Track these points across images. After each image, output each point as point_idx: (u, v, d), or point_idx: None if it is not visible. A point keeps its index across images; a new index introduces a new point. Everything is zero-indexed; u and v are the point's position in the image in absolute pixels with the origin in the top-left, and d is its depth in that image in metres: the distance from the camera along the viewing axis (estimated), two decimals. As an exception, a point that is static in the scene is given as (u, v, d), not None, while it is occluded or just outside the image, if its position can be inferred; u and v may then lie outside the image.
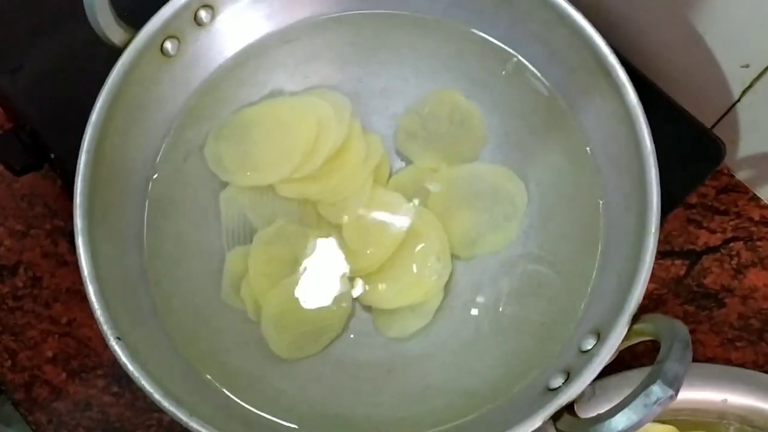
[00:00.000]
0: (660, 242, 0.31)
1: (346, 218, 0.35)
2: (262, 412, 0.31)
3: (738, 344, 0.43)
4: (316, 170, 0.35)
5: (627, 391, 0.26)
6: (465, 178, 0.36)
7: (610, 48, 0.32)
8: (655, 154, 0.30)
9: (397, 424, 0.32)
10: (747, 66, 0.38)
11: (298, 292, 0.35)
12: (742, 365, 0.42)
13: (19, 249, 0.45)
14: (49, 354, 0.44)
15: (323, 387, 0.34)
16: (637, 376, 0.36)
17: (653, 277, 0.32)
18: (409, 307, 0.35)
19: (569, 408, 0.29)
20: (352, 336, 0.35)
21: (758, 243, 0.45)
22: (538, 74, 0.35)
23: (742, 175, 0.45)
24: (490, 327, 0.34)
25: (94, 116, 0.31)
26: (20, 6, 0.43)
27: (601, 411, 0.26)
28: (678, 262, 0.44)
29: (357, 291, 0.35)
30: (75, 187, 0.30)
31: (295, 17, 0.36)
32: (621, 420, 0.25)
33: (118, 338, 0.29)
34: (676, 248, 0.45)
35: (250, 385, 0.32)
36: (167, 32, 0.33)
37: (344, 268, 0.35)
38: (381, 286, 0.35)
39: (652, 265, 0.30)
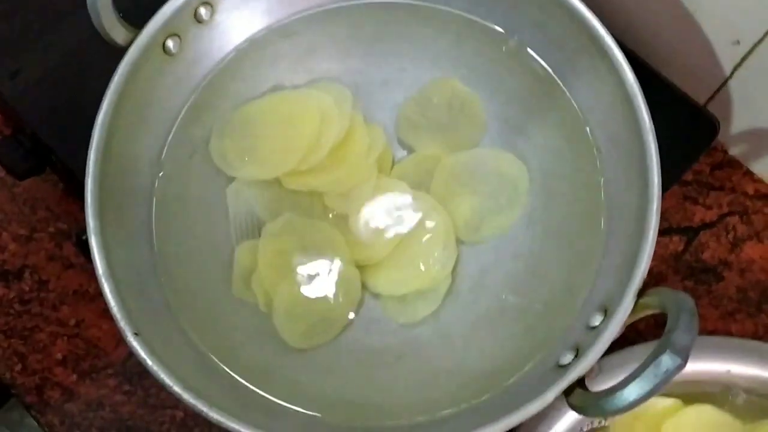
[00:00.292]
0: (657, 220, 0.31)
1: (352, 208, 0.36)
2: (280, 400, 0.32)
3: (737, 317, 0.44)
4: (320, 162, 0.36)
5: (633, 366, 0.27)
6: (467, 163, 0.37)
7: (606, 29, 0.32)
8: (654, 132, 0.31)
9: (411, 407, 0.33)
10: (737, 42, 0.38)
11: (308, 283, 0.35)
12: (742, 337, 0.43)
13: (24, 253, 0.46)
14: (59, 356, 0.44)
15: (337, 375, 0.34)
16: (642, 350, 0.37)
17: (652, 255, 0.33)
18: (418, 292, 0.35)
19: (580, 383, 0.29)
20: (362, 324, 0.35)
21: (753, 217, 0.45)
22: (536, 58, 0.35)
23: (735, 151, 0.46)
24: (498, 309, 0.35)
25: (101, 116, 0.31)
26: (18, 9, 0.43)
27: (608, 387, 0.27)
28: (676, 238, 0.45)
29: (366, 279, 0.36)
30: (86, 187, 0.31)
31: (293, 10, 0.37)
32: (632, 391, 0.26)
33: (136, 334, 0.29)
34: (674, 225, 0.46)
35: (265, 375, 0.33)
36: (168, 30, 0.33)
37: (352, 257, 0.36)
38: (389, 274, 0.36)
39: (655, 239, 0.30)
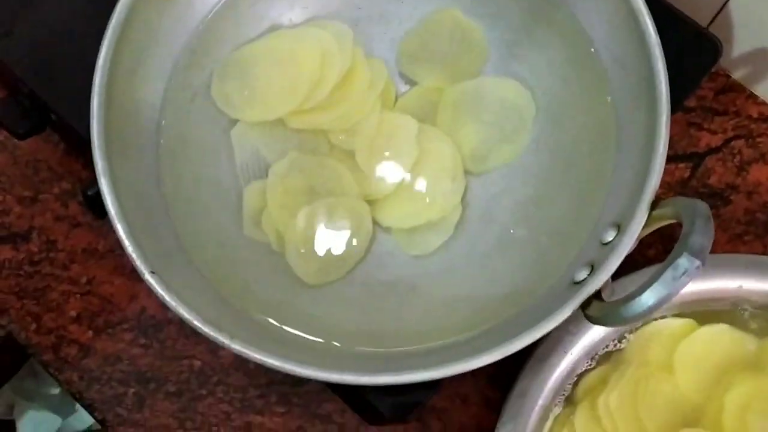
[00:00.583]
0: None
1: (358, 144, 0.36)
2: (297, 331, 0.32)
3: (746, 238, 0.44)
4: (323, 100, 0.36)
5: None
6: (471, 93, 0.37)
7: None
8: (660, 45, 0.31)
9: (426, 334, 0.33)
10: (738, -42, 0.38)
11: (318, 220, 0.35)
12: (752, 257, 0.43)
13: (30, 215, 0.45)
14: (73, 314, 0.44)
15: (351, 308, 0.34)
16: (653, 273, 0.37)
17: (659, 183, 0.33)
18: (429, 224, 0.35)
19: (597, 296, 0.29)
20: (374, 258, 0.35)
21: (758, 139, 0.45)
22: (538, -21, 0.35)
23: (738, 75, 0.46)
24: (509, 236, 0.35)
25: (101, 59, 0.31)
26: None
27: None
28: (682, 165, 0.45)
29: (376, 214, 0.36)
30: (91, 129, 0.30)
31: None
32: (651, 295, 0.26)
33: (153, 272, 0.29)
34: (679, 152, 0.45)
35: (281, 310, 0.33)
36: (163, -30, 0.33)
37: (361, 192, 0.36)
38: (399, 207, 0.36)
39: (666, 152, 0.30)
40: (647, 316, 0.27)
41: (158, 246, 0.32)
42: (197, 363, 0.43)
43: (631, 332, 0.38)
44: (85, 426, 0.69)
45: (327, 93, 0.36)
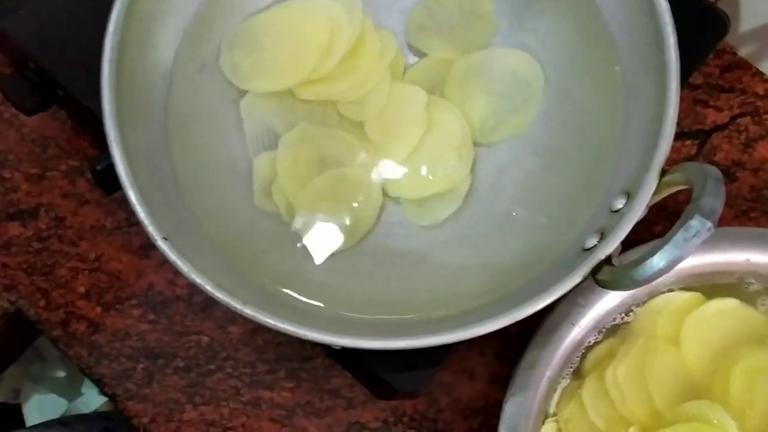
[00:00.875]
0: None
1: (367, 115, 0.36)
2: (308, 299, 0.32)
3: (752, 215, 0.44)
4: (333, 70, 0.36)
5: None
6: (480, 65, 0.37)
7: None
8: (670, 10, 0.31)
9: (437, 303, 0.33)
10: (747, -69, 0.38)
11: (328, 190, 0.35)
12: (759, 233, 0.43)
13: (38, 192, 0.46)
14: (82, 290, 0.44)
15: (362, 277, 0.34)
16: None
17: (665, 160, 0.33)
18: (438, 195, 0.36)
19: (608, 261, 0.29)
20: (384, 228, 0.36)
21: (765, 117, 0.45)
22: (547, -54, 0.35)
23: (744, 52, 0.46)
24: (520, 204, 0.35)
25: (111, 26, 0.31)
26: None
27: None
28: (688, 142, 0.45)
29: (385, 184, 0.36)
30: (102, 97, 0.30)
31: None
32: (662, 257, 0.26)
33: (165, 238, 0.29)
34: (686, 129, 0.46)
35: (292, 279, 0.33)
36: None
37: (370, 163, 0.36)
38: (408, 177, 0.36)
39: (676, 118, 0.30)
40: (658, 277, 0.27)
41: (170, 215, 0.32)
42: (205, 339, 0.43)
43: (638, 305, 0.39)
44: (90, 409, 0.69)
45: (336, 63, 0.36)
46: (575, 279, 0.29)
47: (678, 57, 0.31)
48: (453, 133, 0.36)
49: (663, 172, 0.30)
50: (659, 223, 0.44)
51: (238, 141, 0.36)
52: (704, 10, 0.42)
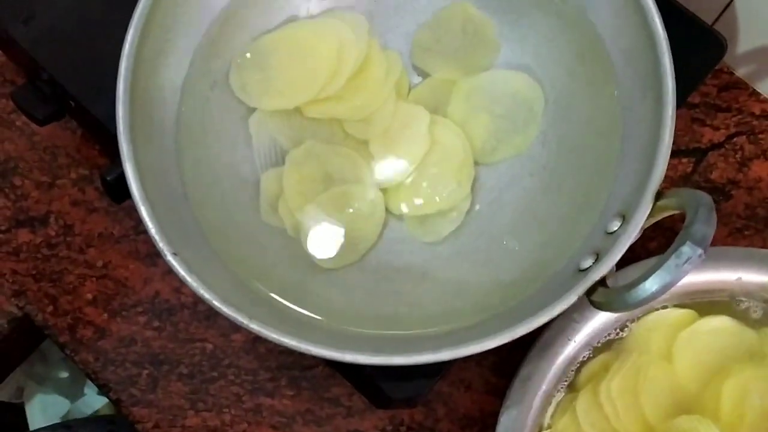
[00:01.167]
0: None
1: (372, 133, 0.37)
2: (312, 314, 0.33)
3: (746, 233, 0.45)
4: (340, 90, 0.37)
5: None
6: (482, 86, 0.38)
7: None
8: (667, 39, 0.32)
9: (437, 318, 0.34)
10: (744, -42, 0.39)
11: (333, 206, 0.36)
12: (752, 252, 0.44)
13: (48, 200, 0.46)
14: (89, 296, 0.45)
15: (364, 292, 0.35)
16: (656, 261, 0.38)
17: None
18: (440, 212, 0.37)
19: (602, 282, 0.30)
20: (387, 244, 0.37)
21: (760, 136, 0.46)
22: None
23: (741, 72, 0.47)
24: (517, 223, 0.36)
25: (127, 44, 0.32)
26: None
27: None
28: (685, 160, 0.46)
29: (389, 201, 0.37)
30: (117, 114, 0.31)
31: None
32: (654, 281, 0.27)
33: (175, 254, 0.30)
34: (682, 147, 0.47)
35: (297, 293, 0.34)
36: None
37: (374, 180, 0.37)
38: (411, 196, 0.37)
39: (671, 143, 0.31)
40: (650, 301, 0.28)
41: (179, 228, 0.33)
42: (209, 346, 0.44)
43: (632, 321, 0.40)
44: (93, 409, 0.70)
45: (343, 83, 0.37)
46: (571, 299, 0.30)
47: (675, 85, 0.32)
48: (455, 152, 0.37)
49: (658, 194, 0.31)
50: (654, 239, 0.45)
51: (246, 157, 0.37)
52: (702, 32, 0.43)
